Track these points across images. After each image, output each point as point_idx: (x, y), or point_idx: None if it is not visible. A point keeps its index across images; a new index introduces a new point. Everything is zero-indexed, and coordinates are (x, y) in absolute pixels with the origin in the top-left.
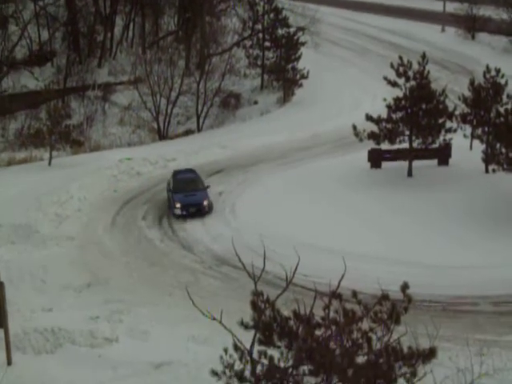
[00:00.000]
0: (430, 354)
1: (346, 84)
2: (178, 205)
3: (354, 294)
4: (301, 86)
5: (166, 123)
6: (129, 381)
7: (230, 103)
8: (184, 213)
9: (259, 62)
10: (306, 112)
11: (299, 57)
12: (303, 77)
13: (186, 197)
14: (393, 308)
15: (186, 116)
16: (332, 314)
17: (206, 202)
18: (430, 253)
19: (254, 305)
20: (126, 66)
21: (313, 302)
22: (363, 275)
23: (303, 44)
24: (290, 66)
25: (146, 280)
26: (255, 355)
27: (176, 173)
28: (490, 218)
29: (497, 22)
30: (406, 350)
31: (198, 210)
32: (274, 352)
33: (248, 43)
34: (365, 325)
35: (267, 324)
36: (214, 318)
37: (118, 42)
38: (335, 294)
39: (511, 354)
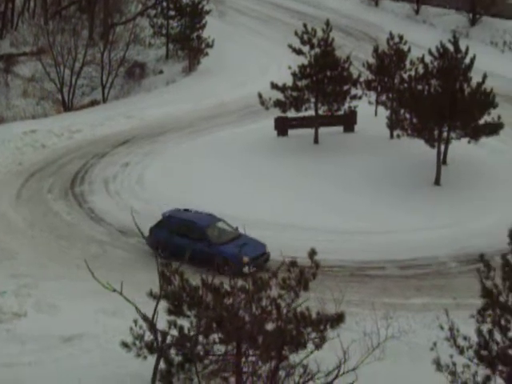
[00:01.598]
0: (338, 319)
1: (252, 53)
2: (247, 259)
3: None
4: (206, 54)
5: (71, 94)
6: (38, 355)
7: (135, 73)
8: (252, 267)
9: (164, 32)
10: (213, 81)
11: (204, 25)
12: (208, 46)
13: (243, 248)
14: (301, 274)
15: (90, 87)
16: (241, 282)
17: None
18: (337, 219)
19: (162, 275)
20: (28, 36)
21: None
22: (272, 242)
23: (208, 12)
24: (194, 34)
25: (54, 253)
26: (165, 325)
27: (191, 222)
28: (396, 184)
29: None
30: (314, 315)
31: (265, 260)
32: (183, 322)
33: (152, 12)
34: (274, 292)
35: (176, 294)
36: (115, 290)
37: (20, 13)
38: (244, 263)
39: (418, 316)
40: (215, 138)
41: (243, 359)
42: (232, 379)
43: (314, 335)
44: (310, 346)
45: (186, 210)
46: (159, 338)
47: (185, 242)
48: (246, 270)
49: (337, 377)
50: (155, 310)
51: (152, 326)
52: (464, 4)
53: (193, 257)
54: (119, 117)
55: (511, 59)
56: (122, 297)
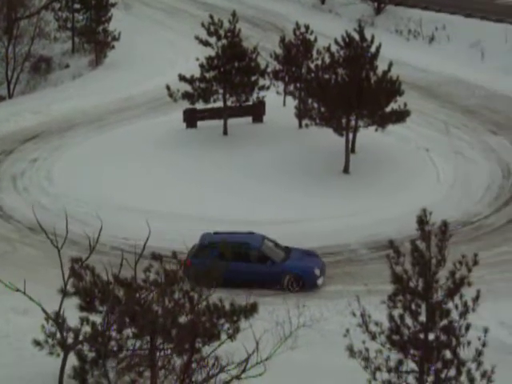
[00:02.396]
0: (251, 310)
1: (159, 45)
2: (318, 271)
3: (174, 254)
4: (113, 48)
5: None
6: None
7: (41, 68)
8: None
9: (69, 25)
10: (120, 74)
11: (110, 18)
12: (115, 39)
13: (307, 261)
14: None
15: None
16: (153, 276)
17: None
18: (248, 209)
19: (72, 271)
20: None
21: (135, 265)
22: (183, 235)
23: (113, 5)
24: (100, 28)
25: None
26: (77, 322)
27: (245, 244)
28: (305, 173)
29: None
30: (227, 306)
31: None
32: (96, 318)
33: (57, 6)
34: (186, 285)
35: (87, 290)
36: (18, 290)
37: None
38: (156, 256)
39: (330, 303)
40: (124, 131)
41: (157, 353)
42: (146, 373)
43: (227, 326)
44: (224, 337)
45: (216, 233)
46: (66, 336)
47: (241, 267)
48: (319, 281)
49: (244, 370)
50: (60, 306)
51: (57, 323)
52: None
53: (251, 279)
54: (26, 112)
55: (416, 47)
56: (33, 295)
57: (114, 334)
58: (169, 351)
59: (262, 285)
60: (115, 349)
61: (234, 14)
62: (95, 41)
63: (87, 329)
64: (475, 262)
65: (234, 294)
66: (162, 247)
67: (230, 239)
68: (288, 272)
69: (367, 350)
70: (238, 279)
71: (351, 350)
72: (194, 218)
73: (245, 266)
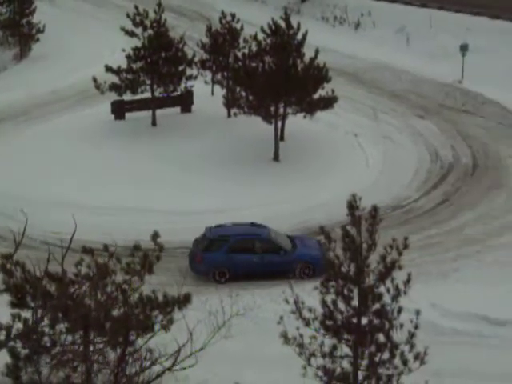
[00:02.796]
0: (184, 300)
1: (85, 37)
2: None
3: (106, 247)
4: (37, 40)
5: None
6: None
7: None
8: None
9: None
10: (46, 67)
11: (34, 10)
12: (39, 31)
13: (313, 248)
14: (145, 258)
15: None
16: (85, 270)
17: None
18: (179, 200)
19: (2, 268)
20: None
21: (62, 260)
22: (115, 227)
23: None
24: (24, 20)
25: None
26: (9, 319)
27: (256, 235)
28: (235, 162)
29: None
30: (161, 298)
31: None
32: (28, 314)
33: None
34: (118, 277)
35: (18, 286)
36: None
37: None
38: (87, 249)
39: (263, 291)
40: (51, 124)
41: (91, 347)
42: (81, 368)
43: (160, 318)
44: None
45: (219, 226)
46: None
47: (254, 259)
48: None
49: (175, 361)
50: None
51: None
52: None
53: (265, 271)
54: None
55: (342, 34)
56: None
57: (46, 329)
58: (102, 345)
59: (274, 274)
60: (48, 345)
61: (159, 4)
62: (19, 34)
63: (19, 325)
64: (405, 246)
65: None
66: (95, 240)
67: (242, 232)
68: (300, 260)
69: (301, 336)
70: (252, 271)
71: (285, 337)
72: (124, 210)
73: (258, 258)
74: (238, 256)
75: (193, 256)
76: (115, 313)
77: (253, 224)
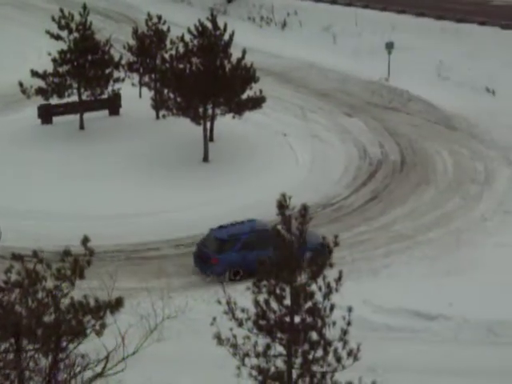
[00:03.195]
0: (116, 304)
1: (9, 41)
2: None
3: (35, 253)
4: None
5: None
6: None
7: None
8: None
9: None
10: None
11: None
12: None
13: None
14: (75, 263)
15: None
16: (15, 277)
17: None
18: (111, 203)
19: None
20: None
21: None
22: (44, 232)
23: None
24: None
25: None
26: None
27: (266, 231)
28: (165, 164)
29: None
30: (93, 302)
31: None
32: None
33: None
34: (49, 283)
35: None
36: None
37: None
38: (16, 256)
39: (197, 293)
40: None
41: (23, 355)
42: (13, 376)
43: (93, 323)
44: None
45: (222, 227)
46: None
47: (263, 253)
48: None
49: (105, 367)
50: None
51: None
52: None
53: None
54: None
55: (269, 34)
56: None
57: None
58: (34, 352)
59: None
60: None
61: (84, 7)
62: None
63: None
64: (336, 244)
65: (99, 288)
66: (25, 246)
67: (246, 229)
68: (308, 249)
69: (235, 336)
70: None
71: (219, 338)
72: (53, 215)
73: (269, 252)
74: (249, 253)
75: (205, 259)
76: (47, 319)
77: (250, 220)
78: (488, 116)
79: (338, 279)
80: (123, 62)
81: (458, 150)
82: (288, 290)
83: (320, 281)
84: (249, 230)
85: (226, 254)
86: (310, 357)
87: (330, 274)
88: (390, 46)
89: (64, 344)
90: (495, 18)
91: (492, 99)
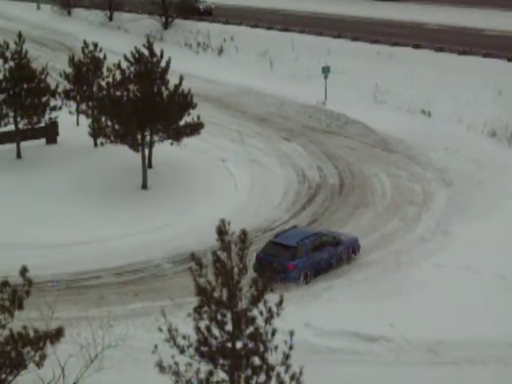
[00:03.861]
0: (57, 334)
1: None
2: None
3: None
4: None
5: None
6: None
7: None
8: None
9: None
10: None
11: None
12: None
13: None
14: (13, 294)
15: None
16: None
17: None
18: (49, 232)
19: None
20: None
21: None
22: None
23: None
24: None
25: None
26: None
27: (323, 234)
28: (104, 192)
29: None
30: (32, 333)
31: None
32: None
33: None
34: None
35: None
36: None
37: None
38: None
39: (138, 321)
40: None
41: None
42: None
43: (32, 354)
44: (30, 365)
45: (280, 236)
46: None
47: (323, 254)
48: None
49: None
50: None
51: None
52: (156, 8)
53: (330, 263)
54: None
55: (206, 59)
56: None
57: None
58: None
59: (332, 267)
60: None
61: (20, 35)
62: None
63: None
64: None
65: (39, 319)
66: None
67: (305, 234)
68: (347, 247)
69: (177, 364)
70: (322, 267)
71: (161, 366)
72: None
73: (326, 253)
74: (314, 256)
75: (279, 267)
76: None
77: (294, 227)
78: (424, 138)
79: (279, 303)
80: (60, 90)
81: (396, 172)
82: (229, 315)
83: (261, 305)
84: (309, 235)
85: (299, 260)
86: (253, 382)
87: (271, 299)
88: (326, 70)
89: (3, 376)
90: (429, 41)
91: (428, 121)
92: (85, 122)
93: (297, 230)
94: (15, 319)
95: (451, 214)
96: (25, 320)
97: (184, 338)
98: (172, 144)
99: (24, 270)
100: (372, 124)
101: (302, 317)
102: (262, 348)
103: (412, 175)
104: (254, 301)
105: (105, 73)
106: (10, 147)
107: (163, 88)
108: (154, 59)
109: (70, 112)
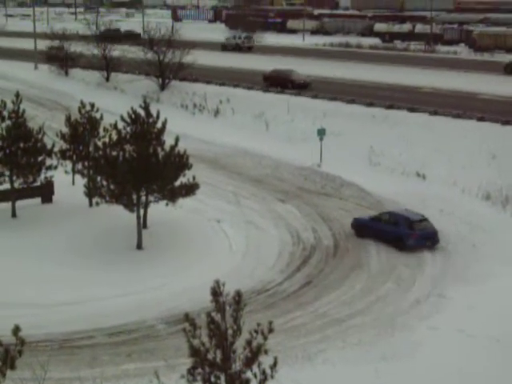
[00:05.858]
0: None
1: None
2: None
3: None
4: None
5: None
6: None
7: None
8: None
9: None
10: None
11: None
12: None
13: None
14: (6, 353)
15: None
16: None
17: None
18: (43, 292)
19: None
20: None
21: None
22: None
23: None
24: None
25: None
26: None
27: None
28: (99, 252)
29: (88, 58)
30: None
31: None
32: None
33: None
34: None
35: None
36: None
37: None
38: None
39: (130, 382)
40: None
41: None
42: None
43: None
44: None
45: (396, 214)
46: None
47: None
48: None
49: None
50: None
51: None
52: (153, 69)
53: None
54: None
55: (202, 120)
56: None
57: None
58: None
59: None
60: None
61: (17, 95)
62: None
63: None
64: (270, 330)
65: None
66: None
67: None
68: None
69: None
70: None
71: None
72: None
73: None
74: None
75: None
76: None
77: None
78: (419, 200)
79: (274, 365)
80: (56, 149)
81: None
82: (223, 377)
83: (255, 367)
84: (417, 213)
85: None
86: None
87: (266, 361)
88: (321, 133)
89: None
90: (424, 104)
91: (423, 184)
92: (80, 181)
93: (407, 211)
94: (7, 379)
95: (446, 276)
96: (17, 380)
97: None
98: (167, 204)
99: (17, 329)
100: (367, 186)
101: (296, 379)
102: None
103: None
104: (248, 363)
105: (101, 133)
106: (6, 206)
107: (159, 148)
108: (151, 120)
109: (66, 171)
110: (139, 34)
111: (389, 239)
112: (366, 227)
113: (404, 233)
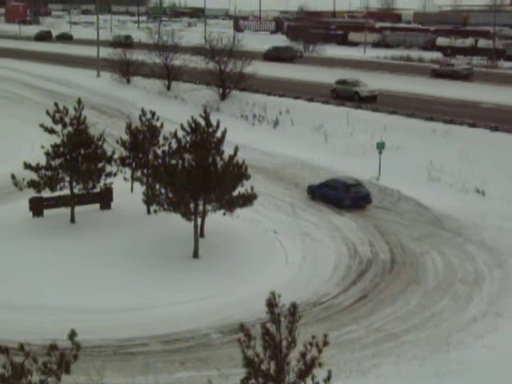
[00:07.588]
0: None
1: (4, 133)
2: None
3: (21, 346)
4: None
5: None
6: None
7: None
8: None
9: None
10: None
11: None
12: None
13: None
14: (61, 357)
15: None
16: (0, 370)
17: None
18: (99, 297)
19: None
20: None
21: None
22: (32, 325)
23: None
24: None
25: None
26: None
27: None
28: (155, 259)
29: (150, 66)
30: None
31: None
32: None
33: None
34: (35, 377)
35: None
36: None
37: None
38: (2, 349)
39: None
40: None
41: None
42: None
43: None
44: None
45: (337, 180)
46: None
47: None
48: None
49: None
50: None
51: None
52: (214, 79)
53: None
54: None
55: (261, 131)
56: None
57: None
58: None
59: None
60: None
61: (79, 102)
62: None
63: None
64: (325, 343)
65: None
66: (11, 339)
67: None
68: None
69: None
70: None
71: None
72: (41, 308)
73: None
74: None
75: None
76: None
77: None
78: (478, 217)
79: (327, 379)
80: (116, 156)
81: (448, 250)
82: None
83: (309, 380)
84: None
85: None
86: None
87: (319, 374)
88: (381, 146)
89: None
90: (484, 120)
91: (482, 200)
92: (139, 188)
93: (348, 178)
94: (62, 383)
95: (503, 294)
96: None
97: None
98: (224, 214)
99: (72, 334)
100: (425, 201)
101: None
102: None
103: (464, 254)
104: (302, 375)
105: (161, 141)
106: (65, 211)
107: (218, 158)
108: (210, 129)
109: (125, 178)
110: None
111: (332, 201)
112: (316, 192)
113: (342, 196)
